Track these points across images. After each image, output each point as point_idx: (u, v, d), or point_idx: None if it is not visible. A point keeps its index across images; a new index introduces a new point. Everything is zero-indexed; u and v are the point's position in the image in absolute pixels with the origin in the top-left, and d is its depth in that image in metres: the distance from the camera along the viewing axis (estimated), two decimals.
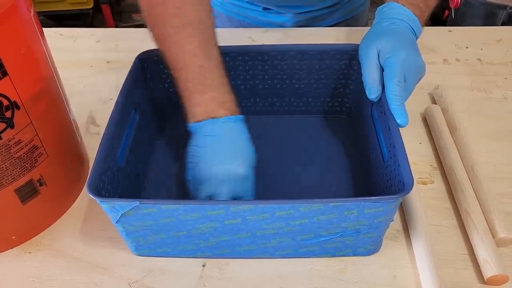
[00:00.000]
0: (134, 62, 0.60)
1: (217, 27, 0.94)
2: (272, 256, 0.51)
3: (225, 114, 0.52)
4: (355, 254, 0.51)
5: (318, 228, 0.47)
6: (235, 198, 0.50)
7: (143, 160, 0.60)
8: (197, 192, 0.52)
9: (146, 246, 0.51)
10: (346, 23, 0.91)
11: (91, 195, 0.44)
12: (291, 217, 0.45)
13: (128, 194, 0.54)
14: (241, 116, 0.53)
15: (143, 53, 0.61)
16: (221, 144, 0.51)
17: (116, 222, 0.47)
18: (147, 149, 0.62)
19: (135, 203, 0.44)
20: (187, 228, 0.47)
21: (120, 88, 0.55)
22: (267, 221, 0.46)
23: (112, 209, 0.45)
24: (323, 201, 0.44)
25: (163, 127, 0.67)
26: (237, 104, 0.54)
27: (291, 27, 0.88)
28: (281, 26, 0.89)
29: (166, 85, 0.64)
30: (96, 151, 0.48)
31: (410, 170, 0.45)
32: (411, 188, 0.44)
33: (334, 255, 0.51)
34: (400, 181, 0.46)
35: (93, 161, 0.47)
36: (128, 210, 0.44)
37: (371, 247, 0.51)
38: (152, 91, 0.64)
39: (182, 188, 0.59)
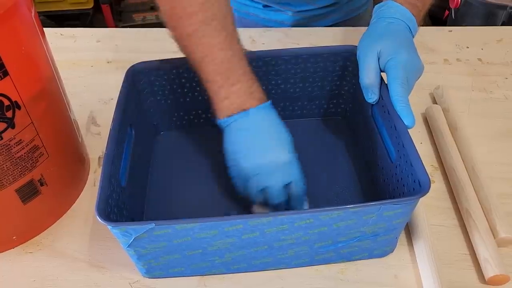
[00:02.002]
0: (126, 76, 0.58)
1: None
2: (288, 266, 0.50)
3: (255, 105, 0.51)
4: (371, 256, 0.51)
5: (336, 235, 0.46)
6: (287, 185, 0.50)
7: (141, 176, 0.59)
8: (248, 189, 0.51)
9: (158, 268, 0.49)
10: (347, 23, 0.91)
11: (102, 221, 0.42)
12: (310, 226, 0.44)
13: (132, 213, 0.52)
14: (269, 102, 0.53)
15: (134, 65, 0.59)
16: (258, 136, 0.51)
17: (127, 247, 0.44)
18: (144, 165, 0.60)
19: (150, 225, 0.42)
20: (202, 246, 0.45)
21: (119, 89, 0.55)
22: (285, 232, 0.45)
23: (124, 233, 0.43)
24: (344, 208, 0.43)
25: (156, 141, 0.66)
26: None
27: (291, 25, 0.89)
28: (281, 24, 0.89)
29: (158, 97, 0.63)
30: (100, 173, 0.46)
31: (425, 168, 0.45)
32: (429, 187, 0.43)
33: (350, 260, 0.51)
34: (414, 181, 0.45)
35: (98, 185, 0.45)
36: (142, 233, 0.43)
37: (387, 249, 0.51)
38: (144, 104, 0.62)
39: (185, 201, 0.58)
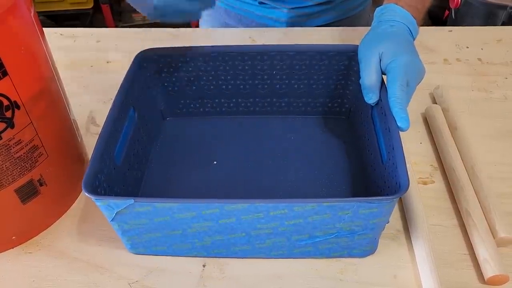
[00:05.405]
0: (134, 61, 0.60)
1: (215, 20, 0.96)
2: (267, 256, 0.51)
3: None
4: (350, 255, 0.51)
5: (312, 229, 0.47)
6: None
7: (141, 159, 0.60)
8: None
9: (141, 245, 0.51)
10: (344, 22, 0.91)
11: (86, 193, 0.44)
12: (286, 216, 0.45)
13: (125, 192, 0.54)
14: None
15: (143, 52, 0.61)
16: None
17: (111, 220, 0.47)
18: (145, 148, 0.62)
19: (130, 201, 0.44)
20: (182, 227, 0.47)
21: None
22: (261, 221, 0.46)
23: (107, 207, 0.45)
24: (317, 201, 0.44)
25: (162, 126, 0.68)
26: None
27: (286, 22, 0.89)
28: (277, 21, 0.89)
29: (166, 84, 0.65)
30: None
31: (407, 171, 0.45)
32: (406, 190, 0.43)
33: (329, 256, 0.51)
34: (396, 183, 0.46)
35: (90, 159, 0.47)
36: (123, 208, 0.44)
37: (367, 249, 0.51)
38: (151, 90, 0.64)
39: (181, 187, 0.59)
